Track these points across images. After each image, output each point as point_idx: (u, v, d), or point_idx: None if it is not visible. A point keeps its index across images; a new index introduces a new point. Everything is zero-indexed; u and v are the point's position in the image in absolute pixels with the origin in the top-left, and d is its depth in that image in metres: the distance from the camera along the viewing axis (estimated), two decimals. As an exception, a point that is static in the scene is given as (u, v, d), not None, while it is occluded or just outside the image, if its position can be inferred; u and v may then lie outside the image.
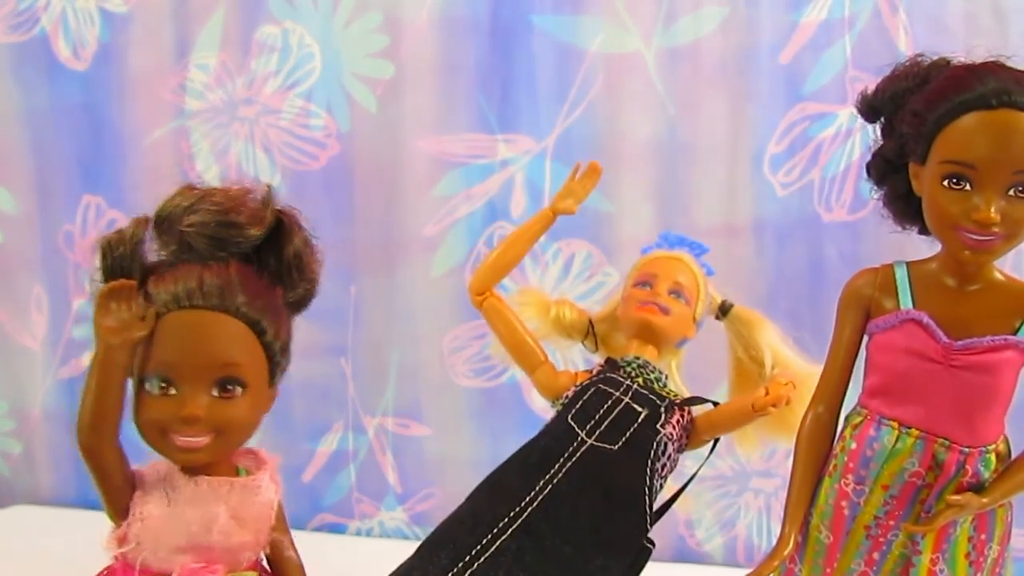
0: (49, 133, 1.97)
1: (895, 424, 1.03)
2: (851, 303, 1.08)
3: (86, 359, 2.12)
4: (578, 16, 1.72)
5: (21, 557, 1.71)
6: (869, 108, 1.07)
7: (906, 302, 1.04)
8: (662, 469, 1.10)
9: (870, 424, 1.04)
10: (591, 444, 1.07)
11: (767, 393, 1.08)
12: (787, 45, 1.67)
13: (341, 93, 1.83)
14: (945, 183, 0.96)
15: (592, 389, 1.12)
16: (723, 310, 1.22)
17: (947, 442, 1.01)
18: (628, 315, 1.17)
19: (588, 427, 1.08)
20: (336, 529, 1.90)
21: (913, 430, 1.02)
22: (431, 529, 1.92)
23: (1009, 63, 0.97)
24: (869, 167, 1.10)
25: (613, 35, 1.70)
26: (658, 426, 1.10)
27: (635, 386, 1.12)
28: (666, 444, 1.10)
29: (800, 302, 1.71)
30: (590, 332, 1.23)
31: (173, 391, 0.85)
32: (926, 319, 1.01)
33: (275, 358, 0.91)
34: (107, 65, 1.92)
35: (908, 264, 1.07)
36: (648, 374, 1.14)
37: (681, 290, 1.17)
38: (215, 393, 0.86)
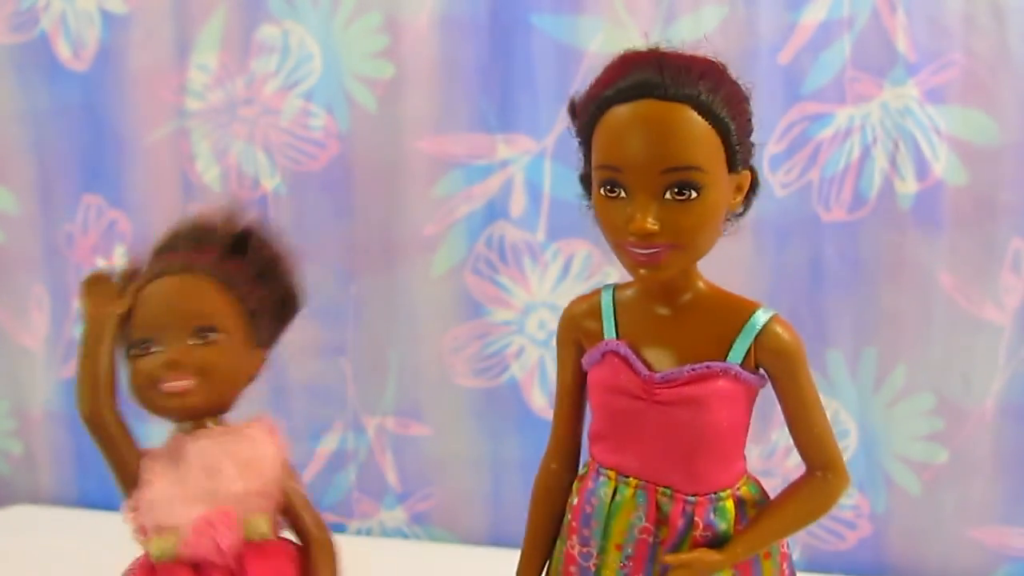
0: (49, 133, 1.97)
1: (612, 474, 0.90)
2: (563, 338, 0.95)
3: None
4: (578, 16, 1.72)
5: (21, 557, 1.72)
6: (572, 117, 0.92)
7: (609, 331, 0.91)
8: None
9: (590, 476, 0.92)
10: None
11: None
12: (786, 45, 1.67)
13: (341, 93, 1.84)
14: (603, 191, 0.84)
15: None
16: None
17: (669, 491, 0.88)
18: None
19: None
20: (336, 529, 1.86)
21: (631, 479, 0.89)
22: (431, 529, 1.93)
23: (680, 48, 0.85)
24: (580, 178, 0.94)
25: (613, 35, 1.70)
26: None
27: None
28: None
29: (799, 302, 1.71)
30: None
31: (156, 348, 0.92)
32: (623, 350, 0.88)
33: (250, 315, 0.96)
34: (107, 66, 1.92)
35: (615, 287, 0.94)
36: None
37: None
38: (194, 341, 0.92)
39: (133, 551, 0.93)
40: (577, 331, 0.94)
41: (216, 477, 0.91)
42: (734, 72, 0.90)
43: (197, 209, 1.03)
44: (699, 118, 0.81)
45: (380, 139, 1.82)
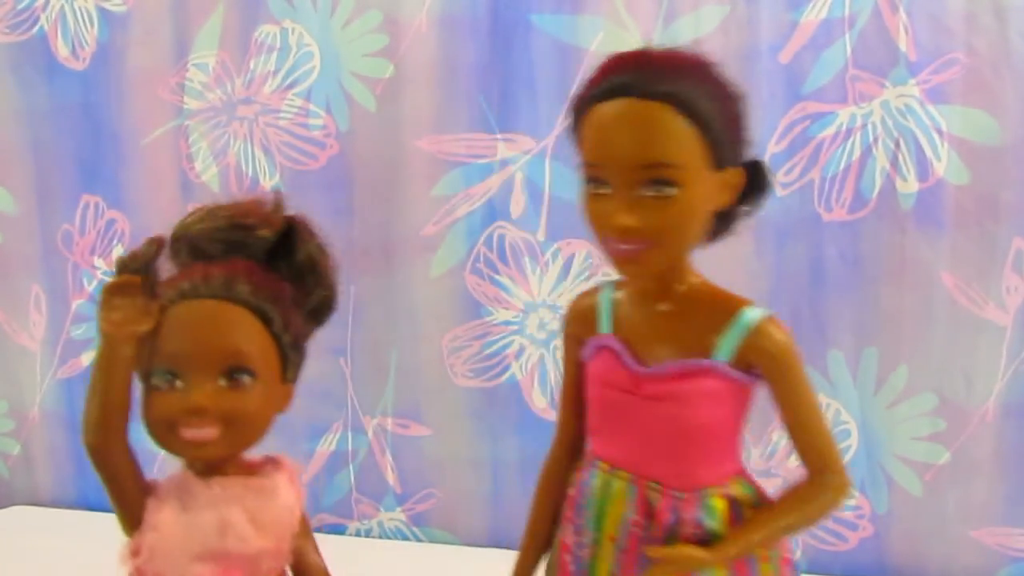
0: (48, 133, 1.97)
1: (605, 466, 0.91)
2: (566, 331, 0.97)
3: (85, 359, 2.13)
4: (578, 15, 1.72)
5: (21, 557, 1.71)
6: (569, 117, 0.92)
7: (605, 327, 0.92)
8: None
9: (586, 467, 0.93)
10: None
11: None
12: (787, 44, 1.67)
13: (340, 93, 1.83)
14: (589, 188, 0.86)
15: None
16: None
17: (658, 485, 0.87)
18: None
19: None
20: (335, 530, 1.90)
21: (622, 472, 0.89)
22: (431, 530, 1.92)
23: (678, 46, 0.86)
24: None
25: (613, 34, 1.70)
26: None
27: None
28: None
29: (800, 302, 1.70)
30: None
31: (180, 383, 0.82)
32: (614, 344, 0.90)
33: (285, 351, 0.87)
34: (106, 65, 1.92)
35: (615, 284, 0.95)
36: None
37: None
38: (223, 383, 0.82)
39: (130, 552, 0.92)
40: (578, 326, 0.96)
41: (228, 534, 0.83)
42: (727, 70, 0.89)
43: (233, 197, 0.90)
44: (677, 115, 0.81)
45: (379, 138, 1.82)
